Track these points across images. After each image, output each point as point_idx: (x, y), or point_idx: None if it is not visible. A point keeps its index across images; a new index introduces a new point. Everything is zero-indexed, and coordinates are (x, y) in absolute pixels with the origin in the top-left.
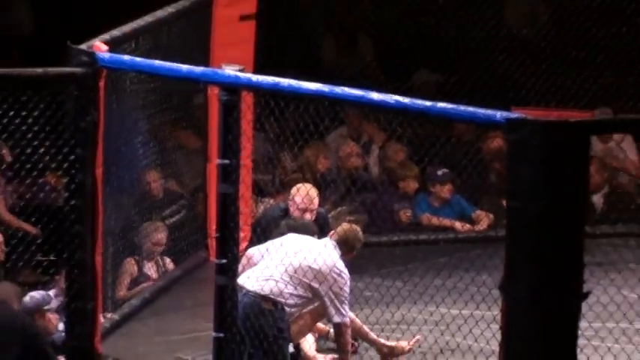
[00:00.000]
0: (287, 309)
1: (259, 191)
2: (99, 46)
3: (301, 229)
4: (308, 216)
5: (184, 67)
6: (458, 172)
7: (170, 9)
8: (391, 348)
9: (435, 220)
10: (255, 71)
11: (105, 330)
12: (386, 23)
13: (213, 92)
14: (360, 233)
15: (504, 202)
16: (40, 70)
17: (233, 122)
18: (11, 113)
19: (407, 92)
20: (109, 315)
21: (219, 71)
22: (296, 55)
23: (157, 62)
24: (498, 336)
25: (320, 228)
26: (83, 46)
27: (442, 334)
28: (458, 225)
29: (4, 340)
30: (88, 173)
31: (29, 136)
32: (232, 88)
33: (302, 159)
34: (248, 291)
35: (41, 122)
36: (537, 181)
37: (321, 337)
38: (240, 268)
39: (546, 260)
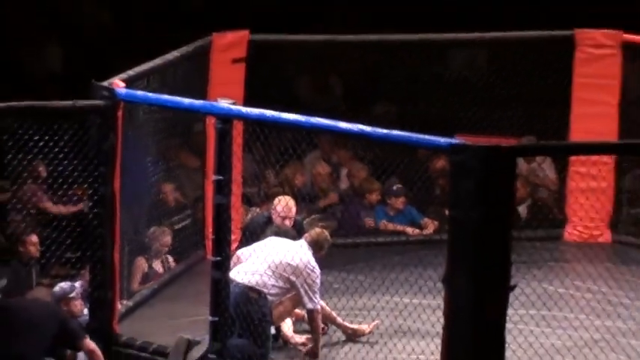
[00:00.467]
0: (269, 298)
1: (247, 201)
2: (117, 83)
3: (281, 233)
4: (287, 222)
5: (187, 100)
6: (410, 186)
7: (176, 53)
8: (354, 330)
9: (390, 226)
10: (245, 104)
11: (121, 314)
12: (352, 66)
13: (210, 121)
14: (329, 236)
15: (447, 212)
16: (69, 102)
17: (226, 145)
18: (46, 137)
19: (369, 122)
20: (124, 302)
21: (215, 104)
22: (278, 91)
23: (165, 96)
24: (442, 320)
25: (297, 232)
26: (105, 83)
27: (396, 319)
28: (409, 230)
29: (44, 323)
30: (108, 186)
31: (61, 155)
32: (225, 118)
33: (282, 176)
34: (238, 283)
35: (70, 145)
36: (474, 194)
37: (298, 320)
38: (231, 264)
39: (481, 259)
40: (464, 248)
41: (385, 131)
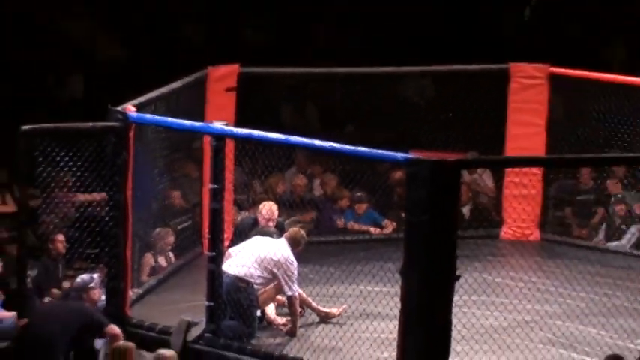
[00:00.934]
0: (255, 286)
1: (237, 206)
2: (129, 108)
3: (265, 233)
4: (270, 224)
5: (187, 122)
6: (373, 194)
7: (178, 83)
8: (326, 313)
9: (357, 227)
10: (235, 126)
11: (132, 300)
12: (326, 95)
13: (207, 139)
14: (304, 234)
15: (403, 215)
16: (89, 124)
17: (220, 160)
18: (71, 153)
19: (339, 141)
20: (135, 290)
21: (210, 125)
22: (263, 115)
23: (169, 119)
24: (399, 305)
25: (279, 232)
26: (119, 108)
27: (361, 304)
28: (372, 230)
29: (69, 318)
30: (121, 194)
31: (83, 168)
32: (219, 137)
33: (266, 185)
34: (229, 274)
35: (90, 159)
36: (426, 200)
37: (280, 305)
38: (224, 259)
39: (431, 254)
40: (417, 245)
41: (352, 148)
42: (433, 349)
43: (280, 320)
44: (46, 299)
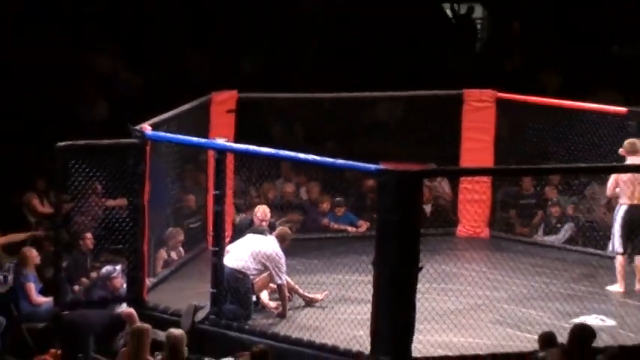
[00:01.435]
0: (251, 277)
1: (236, 209)
2: (146, 127)
3: (258, 231)
4: (264, 224)
5: (194, 139)
6: (350, 198)
7: (186, 106)
8: (311, 298)
9: (336, 226)
10: (234, 141)
11: (148, 288)
12: (310, 116)
13: (211, 153)
14: (290, 232)
15: (375, 216)
16: (113, 141)
17: (221, 170)
18: (98, 165)
19: (321, 154)
20: (150, 280)
21: (214, 141)
22: (257, 133)
23: (180, 136)
24: (372, 291)
25: (270, 230)
26: (137, 127)
27: (340, 290)
28: (349, 228)
29: (94, 320)
30: (139, 199)
31: (107, 177)
32: (221, 151)
33: (261, 191)
34: (229, 267)
35: (114, 170)
36: (393, 204)
37: (272, 292)
38: (225, 254)
39: (399, 248)
40: (387, 241)
41: (332, 160)
42: (400, 327)
43: (272, 304)
44: (76, 287)
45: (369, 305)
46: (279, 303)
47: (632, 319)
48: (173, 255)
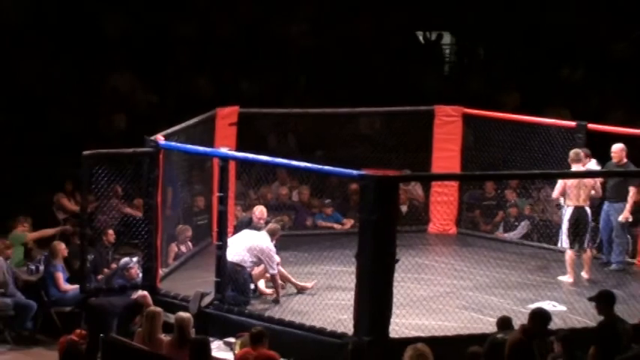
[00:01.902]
0: (247, 268)
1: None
2: (159, 137)
3: (256, 228)
4: (262, 222)
5: (201, 148)
6: (336, 199)
7: (195, 119)
8: (302, 286)
9: (324, 224)
10: (236, 150)
11: (161, 277)
12: (301, 127)
13: (216, 160)
14: (280, 228)
15: (358, 215)
16: (130, 150)
17: (225, 175)
18: (117, 171)
19: (311, 162)
20: (163, 270)
21: (218, 150)
22: (256, 143)
23: (188, 146)
24: (354, 280)
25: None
26: (152, 138)
27: (327, 279)
28: (336, 226)
29: (116, 303)
30: (154, 200)
31: (126, 181)
32: (225, 158)
33: (259, 193)
34: (229, 261)
35: (131, 175)
36: (373, 205)
37: (269, 281)
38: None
39: (378, 243)
40: (368, 237)
41: (320, 166)
42: (379, 312)
43: (268, 292)
44: (100, 277)
45: (352, 292)
46: (274, 290)
47: (581, 305)
48: (183, 248)
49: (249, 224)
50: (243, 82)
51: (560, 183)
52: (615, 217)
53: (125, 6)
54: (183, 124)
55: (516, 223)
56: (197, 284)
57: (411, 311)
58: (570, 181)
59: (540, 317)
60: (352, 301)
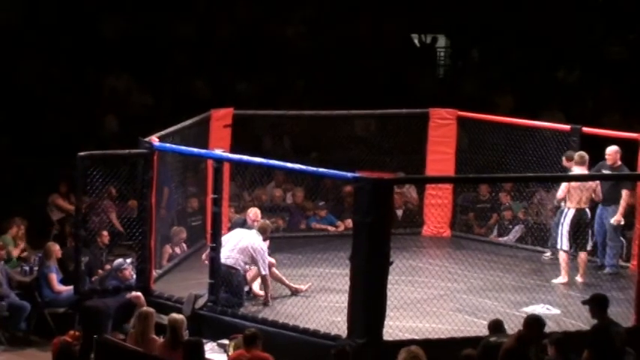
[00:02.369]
0: (241, 270)
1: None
2: (154, 139)
3: (249, 228)
4: (256, 224)
5: (196, 149)
6: (330, 201)
7: (189, 121)
8: (296, 288)
9: (318, 226)
10: (230, 152)
11: (155, 278)
12: (296, 129)
13: (210, 162)
14: (270, 225)
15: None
16: (125, 151)
17: (219, 177)
18: (112, 172)
19: (306, 164)
20: (157, 271)
21: (212, 152)
22: (251, 145)
23: (183, 147)
24: (348, 282)
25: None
26: (146, 139)
27: (321, 282)
28: (330, 228)
29: (110, 304)
30: (148, 201)
31: (122, 182)
32: (219, 160)
33: (253, 195)
34: (223, 264)
35: (126, 176)
36: (368, 207)
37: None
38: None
39: (372, 245)
40: (362, 239)
41: (315, 169)
42: (373, 314)
43: (262, 293)
44: (94, 278)
45: (346, 295)
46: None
47: (574, 308)
48: (177, 250)
49: (242, 225)
50: (240, 83)
51: (564, 185)
52: (609, 220)
53: (122, 8)
54: (177, 126)
55: (510, 227)
56: (191, 286)
57: (405, 314)
58: (574, 184)
59: (536, 323)
60: (346, 304)
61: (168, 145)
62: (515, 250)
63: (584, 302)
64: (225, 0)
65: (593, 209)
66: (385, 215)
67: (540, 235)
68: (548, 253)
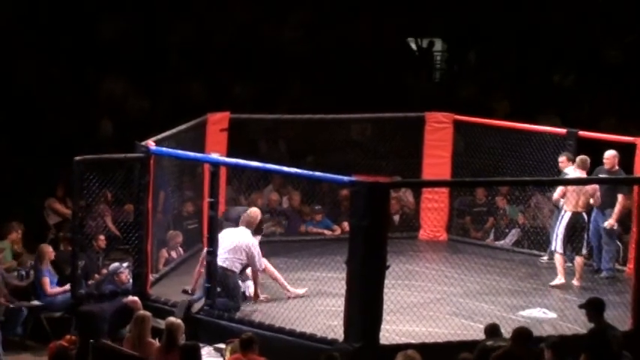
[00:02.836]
0: (236, 272)
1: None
2: (150, 143)
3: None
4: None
5: (192, 153)
6: (326, 205)
7: (186, 125)
8: (293, 292)
9: (314, 230)
10: (227, 156)
11: (151, 283)
12: (292, 133)
13: (206, 166)
14: (256, 213)
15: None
16: (122, 155)
17: (216, 181)
18: (108, 176)
19: (302, 168)
20: (153, 275)
21: (209, 156)
22: (247, 149)
23: (179, 151)
24: (345, 286)
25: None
26: (143, 143)
27: (317, 285)
28: (326, 232)
29: (106, 309)
30: (144, 205)
31: (118, 187)
32: (215, 164)
33: (250, 199)
34: (219, 266)
35: (122, 180)
36: (364, 211)
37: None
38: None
39: (368, 249)
40: (358, 243)
41: (311, 172)
42: (370, 318)
43: (261, 297)
44: (90, 282)
45: (343, 299)
46: (266, 296)
47: (571, 312)
48: (173, 254)
49: (237, 220)
50: (237, 87)
51: (560, 187)
52: (603, 224)
53: (120, 11)
54: (174, 130)
55: (506, 230)
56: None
57: (402, 318)
58: (571, 187)
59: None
60: (343, 308)
61: (164, 149)
62: (511, 254)
63: (580, 306)
64: (222, 3)
65: (590, 214)
66: (381, 219)
67: (537, 239)
68: (545, 257)
